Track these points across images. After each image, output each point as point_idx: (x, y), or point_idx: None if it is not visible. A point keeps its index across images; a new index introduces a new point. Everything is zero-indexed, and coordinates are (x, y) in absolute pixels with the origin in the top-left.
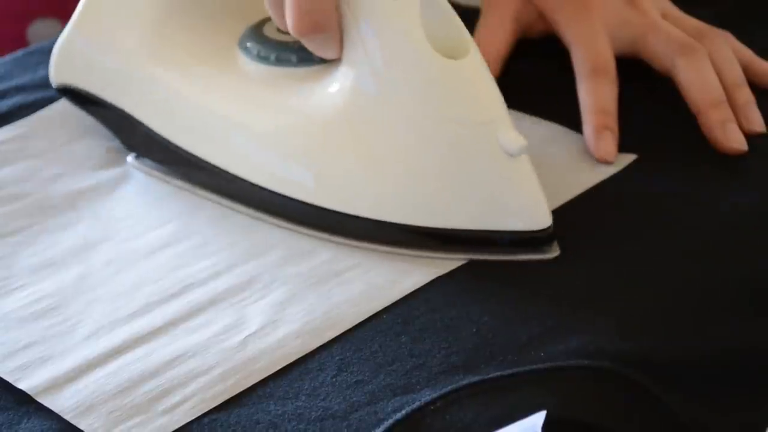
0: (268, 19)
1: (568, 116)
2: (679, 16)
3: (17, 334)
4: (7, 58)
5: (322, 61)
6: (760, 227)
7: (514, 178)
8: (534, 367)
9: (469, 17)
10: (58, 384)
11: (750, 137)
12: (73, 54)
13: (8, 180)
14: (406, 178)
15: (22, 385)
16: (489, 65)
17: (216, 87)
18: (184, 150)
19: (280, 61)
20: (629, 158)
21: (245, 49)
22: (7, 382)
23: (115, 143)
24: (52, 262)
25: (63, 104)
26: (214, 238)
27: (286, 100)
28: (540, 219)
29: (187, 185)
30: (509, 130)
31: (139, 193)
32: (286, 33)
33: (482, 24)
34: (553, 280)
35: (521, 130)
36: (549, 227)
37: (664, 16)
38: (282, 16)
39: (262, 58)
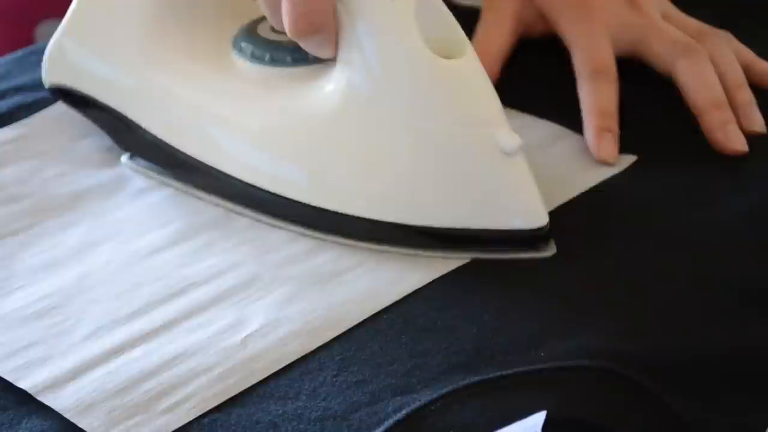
0: (262, 19)
1: (569, 117)
2: (680, 17)
3: (18, 333)
4: (8, 58)
5: (317, 60)
6: (760, 228)
7: (511, 177)
8: (534, 367)
9: (470, 17)
10: (58, 383)
11: (751, 138)
12: (65, 54)
13: (9, 180)
14: (401, 177)
15: (22, 384)
16: (489, 65)
17: (210, 87)
18: (178, 150)
19: (274, 61)
20: (630, 159)
21: (239, 49)
22: (8, 382)
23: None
24: (52, 263)
25: (64, 105)
26: (215, 239)
27: (281, 100)
28: (536, 217)
29: (180, 185)
30: (506, 130)
31: (140, 194)
32: (281, 32)
33: (482, 24)
34: (553, 280)
35: (521, 131)
36: (545, 226)
37: (665, 17)
38: (278, 17)
39: (257, 58)
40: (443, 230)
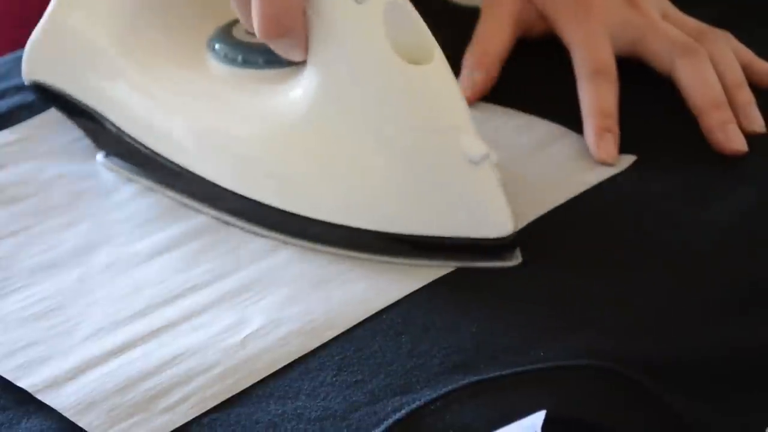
0: (237, 21)
1: (568, 117)
2: (680, 17)
3: (17, 334)
4: (8, 57)
5: (290, 63)
6: (760, 227)
7: (476, 185)
8: (534, 366)
9: (469, 17)
10: (58, 382)
11: (750, 137)
12: (44, 51)
13: (9, 181)
14: (369, 183)
15: (22, 384)
16: (488, 65)
17: (183, 88)
18: (151, 150)
19: (246, 63)
20: (629, 159)
21: (213, 50)
22: (8, 382)
23: None
24: (52, 264)
25: None
26: (216, 242)
27: (252, 102)
28: (502, 226)
29: (153, 185)
30: (472, 137)
31: (140, 195)
32: (255, 34)
33: (482, 24)
34: (554, 279)
35: (521, 130)
36: (511, 234)
37: (665, 16)
38: (249, 19)
39: (229, 60)
40: (412, 237)
